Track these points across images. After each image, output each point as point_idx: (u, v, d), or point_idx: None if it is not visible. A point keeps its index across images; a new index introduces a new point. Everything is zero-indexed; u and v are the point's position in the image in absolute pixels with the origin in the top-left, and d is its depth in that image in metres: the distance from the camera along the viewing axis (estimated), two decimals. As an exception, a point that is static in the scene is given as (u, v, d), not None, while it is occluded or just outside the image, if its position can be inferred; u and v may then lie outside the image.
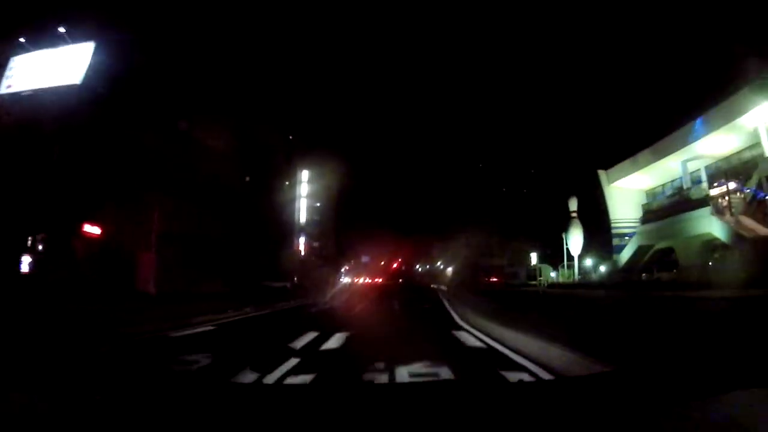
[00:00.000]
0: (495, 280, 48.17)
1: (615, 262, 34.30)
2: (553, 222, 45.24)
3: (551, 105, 71.80)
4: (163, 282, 17.41)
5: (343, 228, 72.46)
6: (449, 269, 67.47)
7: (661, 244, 31.87)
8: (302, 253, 41.15)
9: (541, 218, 46.90)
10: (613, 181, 38.11)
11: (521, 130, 73.07)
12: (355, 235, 75.01)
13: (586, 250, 39.15)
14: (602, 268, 34.49)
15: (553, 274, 40.81)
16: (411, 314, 12.63)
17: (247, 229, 33.95)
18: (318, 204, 70.16)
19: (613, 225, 38.62)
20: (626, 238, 36.44)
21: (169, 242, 18.41)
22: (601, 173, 39.21)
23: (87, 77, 16.85)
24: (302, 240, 41.66)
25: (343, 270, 77.97)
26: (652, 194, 37.24)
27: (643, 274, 31.04)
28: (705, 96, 25.41)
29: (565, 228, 38.43)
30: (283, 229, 40.97)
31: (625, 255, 33.77)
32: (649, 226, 32.02)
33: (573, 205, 38.53)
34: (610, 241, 38.49)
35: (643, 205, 34.93)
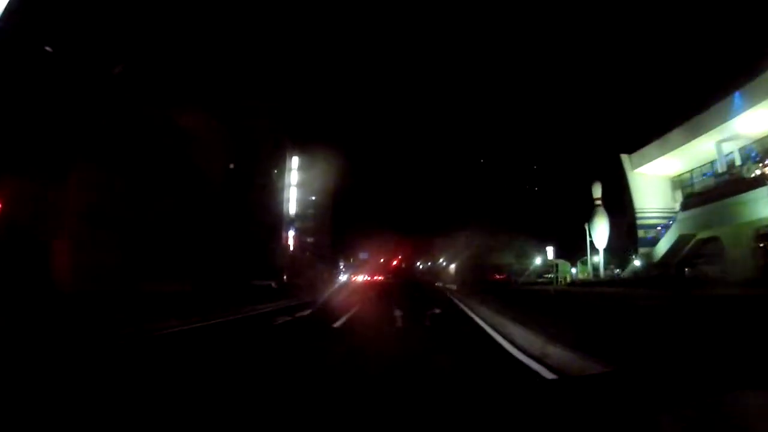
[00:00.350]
0: (499, 277, 44.19)
1: (648, 256, 29.78)
2: (572, 212, 41.15)
3: (564, 84, 67.10)
4: (87, 278, 13.05)
5: (341, 224, 69.18)
6: (452, 266, 63.90)
7: (703, 234, 27.41)
8: (291, 248, 36.73)
9: (558, 209, 42.89)
10: (637, 167, 33.98)
11: (531, 113, 68.57)
12: (354, 232, 71.74)
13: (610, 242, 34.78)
14: (636, 262, 29.92)
15: (574, 270, 36.34)
16: (423, 329, 8.20)
17: (228, 220, 29.63)
18: (313, 197, 66.35)
19: (638, 215, 34.28)
20: (658, 228, 32.13)
21: (97, 227, 14.02)
22: (624, 158, 35.03)
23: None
24: (291, 233, 37.22)
25: (342, 267, 74.49)
26: (678, 182, 33.03)
27: (686, 269, 26.66)
28: (737, 69, 21.77)
29: (587, 217, 34.05)
30: (271, 221, 36.58)
31: (662, 247, 29.31)
32: (691, 213, 27.54)
33: (597, 191, 34.14)
34: (634, 234, 34.16)
35: (683, 188, 30.53)
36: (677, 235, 28.24)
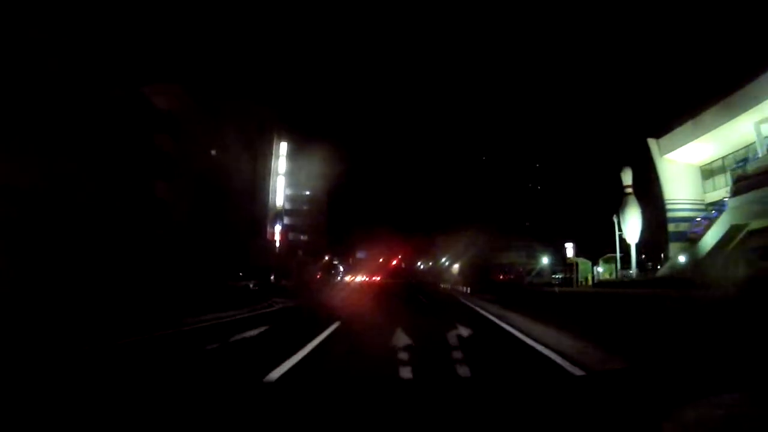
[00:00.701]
0: (504, 278, 41.30)
1: (693, 251, 25.30)
2: (592, 206, 37.03)
3: (583, 63, 62.56)
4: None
5: (339, 222, 65.55)
6: (455, 266, 59.77)
7: (756, 224, 23.12)
8: (278, 244, 32.27)
9: (575, 203, 38.89)
10: (666, 153, 29.79)
11: (543, 96, 64.16)
12: (352, 230, 68.00)
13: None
14: (681, 258, 25.46)
15: (600, 269, 31.90)
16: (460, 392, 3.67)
17: (199, 210, 25.27)
18: (308, 192, 62.05)
19: (668, 207, 29.99)
20: (698, 220, 27.82)
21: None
22: (652, 143, 30.85)
23: None
24: (278, 228, 32.75)
25: (340, 268, 70.52)
26: (709, 170, 28.89)
27: (740, 266, 22.23)
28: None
29: (616, 208, 29.74)
30: (254, 213, 32.14)
31: (709, 240, 24.84)
32: (743, 199, 23.16)
33: (627, 178, 29.84)
34: (664, 228, 29.90)
35: (733, 171, 26.17)
36: (728, 225, 23.86)
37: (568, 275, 38.07)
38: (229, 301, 13.90)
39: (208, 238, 25.23)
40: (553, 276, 38.62)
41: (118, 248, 16.17)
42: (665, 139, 30.10)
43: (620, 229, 29.61)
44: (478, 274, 43.38)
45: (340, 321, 8.48)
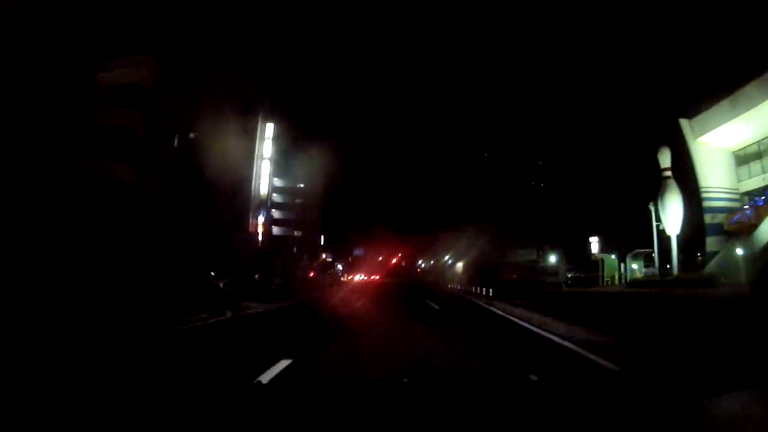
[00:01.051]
0: (516, 276, 36.96)
1: (753, 242, 21.16)
2: (618, 197, 33.17)
3: (608, 37, 58.16)
4: None
5: (337, 219, 61.95)
6: (458, 265, 56.73)
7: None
8: (260, 237, 28.11)
9: (597, 194, 35.05)
10: (699, 135, 25.99)
11: (561, 74, 59.96)
12: (350, 227, 64.68)
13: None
14: (739, 251, 21.30)
15: (634, 266, 27.82)
16: None
17: (177, 198, 21.51)
18: (302, 185, 58.00)
19: (703, 196, 26.01)
20: (744, 208, 23.96)
21: None
22: (684, 123, 27.03)
23: None
24: (261, 219, 28.61)
25: (339, 267, 66.88)
26: (743, 156, 25.70)
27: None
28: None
29: (654, 195, 25.77)
30: (234, 202, 28.04)
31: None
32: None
33: (665, 159, 25.85)
34: (699, 219, 25.93)
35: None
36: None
37: (581, 274, 34.75)
38: (195, 303, 11.04)
39: (184, 229, 21.42)
40: (563, 274, 35.32)
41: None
42: (698, 120, 26.45)
43: (658, 219, 25.57)
44: (486, 273, 39.85)
45: (293, 359, 4.30)
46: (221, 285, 19.15)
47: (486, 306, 12.39)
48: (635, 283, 25.01)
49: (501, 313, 10.16)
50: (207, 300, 13.11)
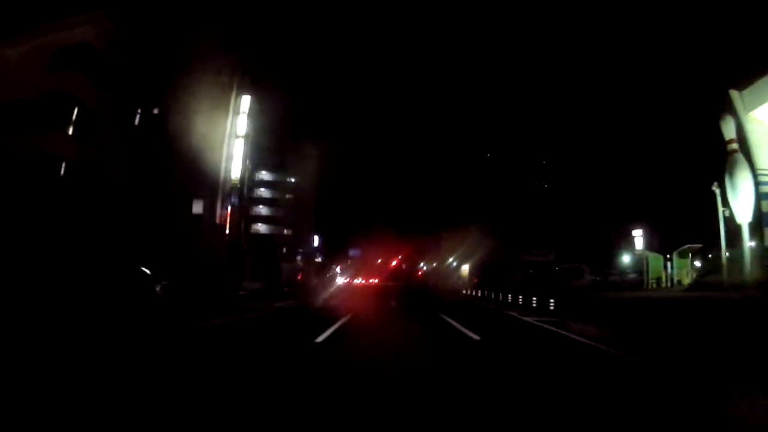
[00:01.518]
0: (523, 278, 34.06)
1: None
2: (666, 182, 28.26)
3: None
4: None
5: (334, 219, 57.63)
6: (464, 267, 52.91)
7: None
8: (226, 230, 22.98)
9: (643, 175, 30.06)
10: (751, 109, 21.11)
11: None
12: (348, 228, 60.79)
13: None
14: None
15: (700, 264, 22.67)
16: None
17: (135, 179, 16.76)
18: (293, 179, 53.10)
19: (760, 180, 20.94)
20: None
21: None
22: (734, 95, 22.06)
23: None
24: (230, 209, 23.48)
25: (337, 269, 62.25)
26: None
27: None
28: None
29: (719, 173, 20.70)
30: (204, 190, 23.02)
31: None
32: None
33: (729, 130, 20.78)
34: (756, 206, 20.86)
35: None
36: None
37: (597, 277, 30.24)
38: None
39: (135, 219, 16.71)
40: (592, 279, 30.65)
41: None
42: (751, 92, 21.40)
43: (725, 204, 20.48)
44: (492, 276, 35.54)
45: None
46: (158, 289, 14.10)
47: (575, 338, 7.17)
48: (698, 284, 19.89)
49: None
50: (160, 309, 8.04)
